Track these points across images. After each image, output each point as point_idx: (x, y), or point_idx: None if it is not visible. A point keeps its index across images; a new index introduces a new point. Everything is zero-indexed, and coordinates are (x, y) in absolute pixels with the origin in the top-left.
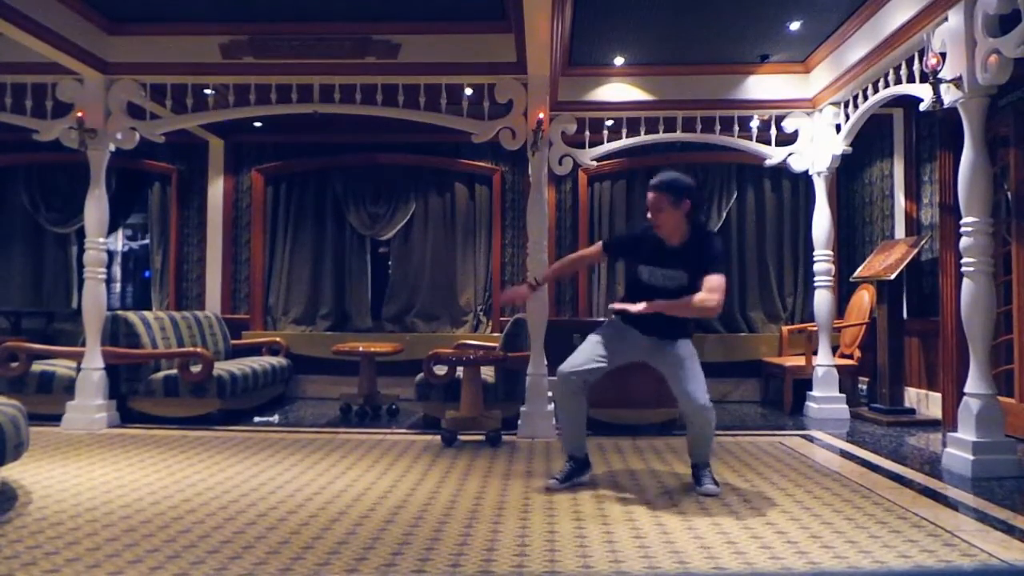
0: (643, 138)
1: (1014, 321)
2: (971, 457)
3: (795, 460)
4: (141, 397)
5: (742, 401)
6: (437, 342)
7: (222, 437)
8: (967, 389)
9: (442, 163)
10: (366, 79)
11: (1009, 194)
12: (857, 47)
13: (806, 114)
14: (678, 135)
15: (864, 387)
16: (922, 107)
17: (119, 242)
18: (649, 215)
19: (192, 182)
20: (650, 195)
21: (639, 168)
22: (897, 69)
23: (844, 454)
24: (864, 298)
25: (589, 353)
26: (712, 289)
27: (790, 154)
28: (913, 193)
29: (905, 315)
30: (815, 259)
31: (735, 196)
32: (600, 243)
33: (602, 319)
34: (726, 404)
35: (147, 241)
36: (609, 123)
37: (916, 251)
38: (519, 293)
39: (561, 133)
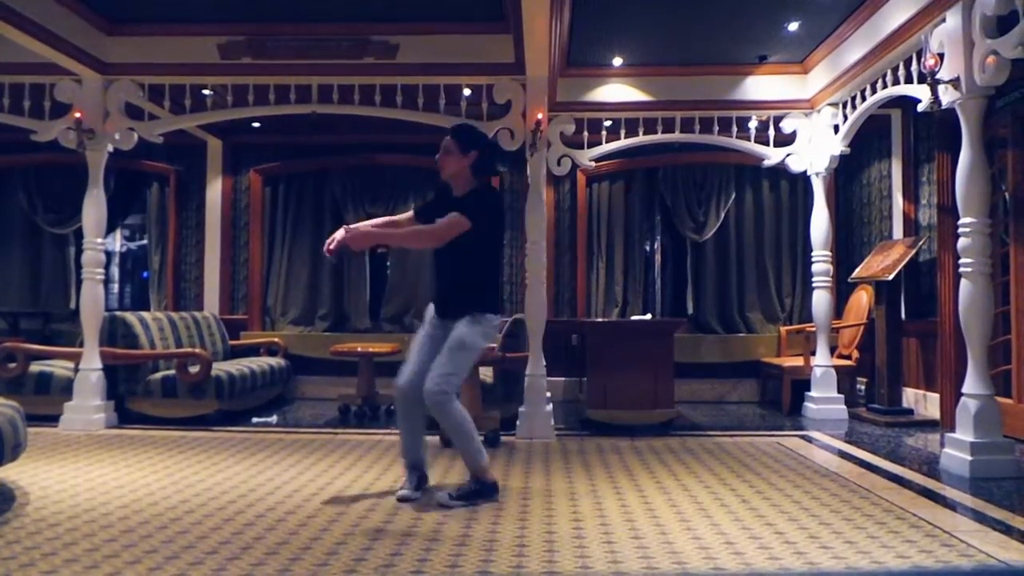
0: (641, 139)
1: (1012, 322)
2: (969, 457)
3: (793, 460)
4: (139, 398)
5: (740, 402)
6: None
7: (220, 438)
8: (965, 390)
9: None
10: (364, 79)
11: (1007, 195)
12: (855, 48)
13: (804, 115)
14: (676, 136)
15: (862, 387)
16: (920, 108)
17: (117, 243)
18: (438, 156)
19: (190, 183)
20: (446, 138)
21: (638, 169)
22: (895, 70)
23: (842, 454)
24: (862, 299)
25: (409, 358)
26: (441, 224)
27: (788, 155)
28: (911, 194)
29: (903, 316)
30: (813, 260)
31: (733, 197)
32: (412, 211)
33: (600, 319)
34: (724, 404)
35: (145, 242)
36: (607, 124)
37: (914, 252)
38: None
39: (559, 134)
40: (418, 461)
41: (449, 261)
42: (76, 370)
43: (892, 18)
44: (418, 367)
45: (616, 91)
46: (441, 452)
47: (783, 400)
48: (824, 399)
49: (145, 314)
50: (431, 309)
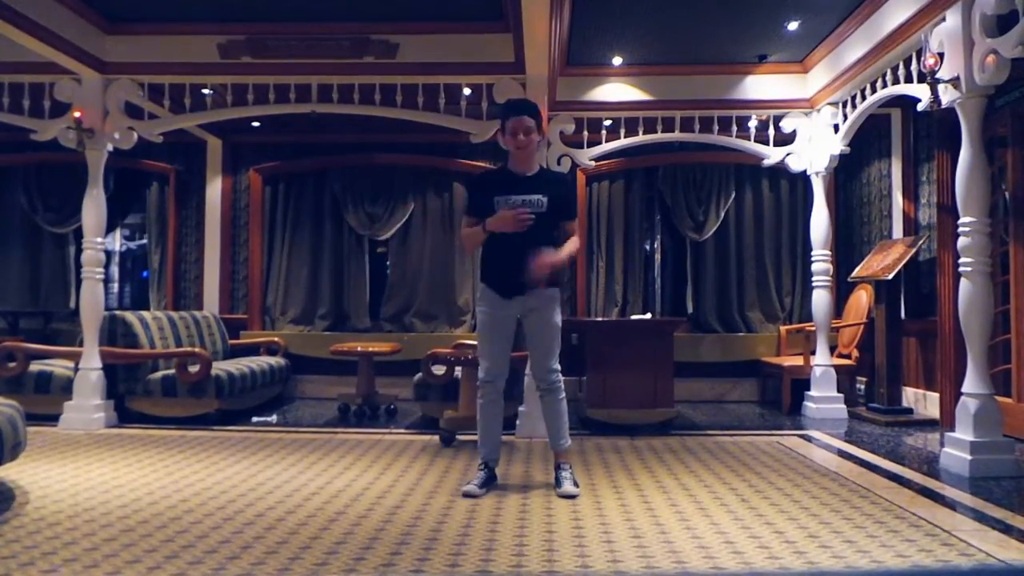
0: (641, 138)
1: (1012, 321)
2: (969, 457)
3: (793, 460)
4: (139, 397)
5: (740, 401)
6: (435, 342)
7: (220, 437)
8: (965, 389)
9: (440, 163)
10: (364, 79)
11: (1007, 194)
12: (855, 47)
13: (804, 114)
14: (676, 135)
15: (862, 387)
16: (920, 107)
17: (117, 242)
18: (515, 140)
19: (190, 182)
20: (522, 119)
21: (637, 168)
22: (895, 69)
23: (842, 454)
24: (862, 298)
25: (488, 351)
26: (576, 234)
27: (788, 154)
28: (911, 193)
29: (903, 315)
30: (813, 259)
31: (733, 196)
32: (466, 218)
33: (600, 319)
34: (724, 404)
35: (145, 241)
36: (607, 123)
37: (914, 251)
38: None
39: (559, 133)
40: (497, 456)
41: (533, 242)
42: (76, 369)
43: (892, 17)
44: (502, 357)
45: (616, 90)
46: (442, 452)
47: (783, 399)
48: (824, 398)
49: (145, 313)
50: (489, 293)
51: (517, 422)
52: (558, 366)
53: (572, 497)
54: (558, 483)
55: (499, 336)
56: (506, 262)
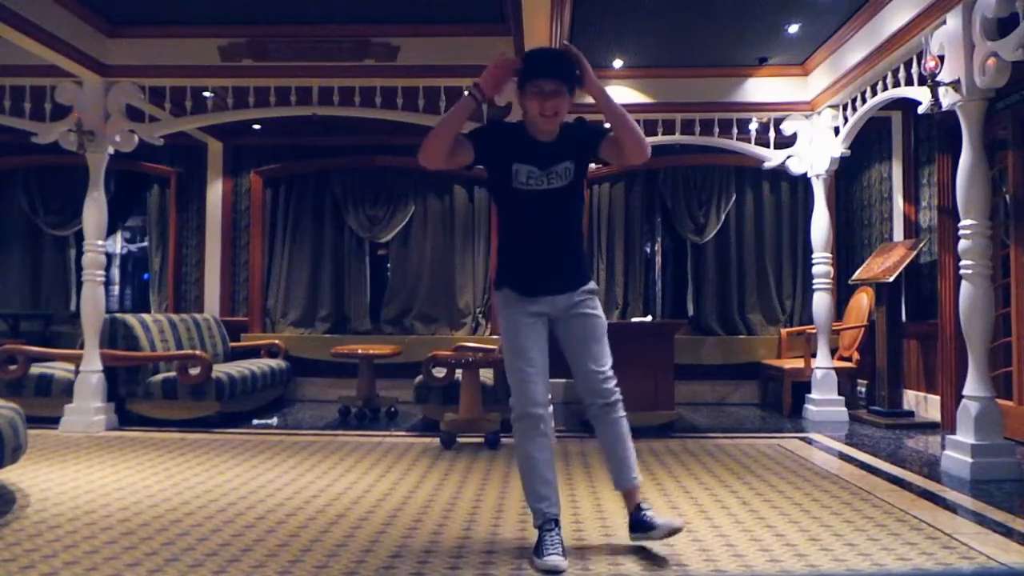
0: None
1: (1012, 324)
2: (970, 460)
3: (794, 462)
4: (139, 400)
5: (741, 404)
6: (436, 344)
7: (221, 440)
8: (966, 392)
9: None
10: (365, 81)
11: (1007, 197)
12: (855, 50)
13: (805, 117)
14: (677, 137)
15: (863, 389)
16: (920, 110)
17: (118, 244)
18: (541, 108)
19: (191, 184)
20: (550, 84)
21: (638, 171)
22: (895, 72)
23: (843, 456)
24: (863, 300)
25: (521, 365)
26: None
27: (789, 156)
28: (912, 196)
29: (904, 317)
30: (814, 261)
31: (734, 198)
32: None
33: None
34: (724, 406)
35: (146, 243)
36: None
37: (915, 253)
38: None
39: None
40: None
41: (558, 226)
42: (76, 372)
43: (892, 20)
44: (545, 375)
45: (617, 93)
46: (443, 454)
47: (784, 402)
48: (824, 401)
49: (145, 316)
50: (510, 295)
51: None
52: (612, 371)
53: (677, 531)
54: (650, 527)
55: (533, 341)
56: (529, 255)
